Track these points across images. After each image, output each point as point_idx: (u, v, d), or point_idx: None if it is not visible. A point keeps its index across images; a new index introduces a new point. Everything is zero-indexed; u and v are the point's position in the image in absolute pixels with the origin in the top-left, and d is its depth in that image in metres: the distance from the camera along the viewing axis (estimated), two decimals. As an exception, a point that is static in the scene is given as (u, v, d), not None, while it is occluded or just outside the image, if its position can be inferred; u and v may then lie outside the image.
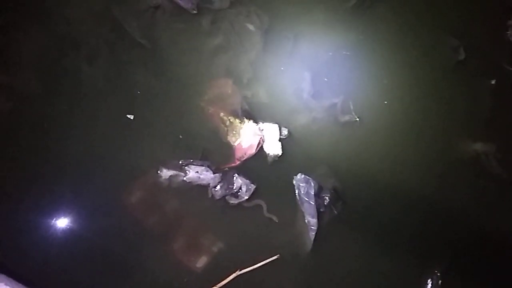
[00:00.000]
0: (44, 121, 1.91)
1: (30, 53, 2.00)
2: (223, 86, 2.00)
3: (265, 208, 1.90)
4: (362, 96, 2.04)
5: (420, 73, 2.11)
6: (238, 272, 1.78)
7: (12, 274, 1.66)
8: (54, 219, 1.80)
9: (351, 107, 2.00)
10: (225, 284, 1.77)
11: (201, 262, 1.82)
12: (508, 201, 1.99)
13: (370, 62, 2.10)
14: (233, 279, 1.78)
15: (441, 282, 1.88)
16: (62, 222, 1.80)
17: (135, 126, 1.94)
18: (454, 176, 2.00)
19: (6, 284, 1.58)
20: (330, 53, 2.09)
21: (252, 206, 1.90)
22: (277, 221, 1.89)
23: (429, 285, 1.88)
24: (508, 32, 2.17)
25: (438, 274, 1.89)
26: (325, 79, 2.06)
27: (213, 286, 1.76)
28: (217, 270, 1.80)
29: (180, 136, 1.95)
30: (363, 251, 1.91)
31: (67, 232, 1.80)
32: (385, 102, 2.05)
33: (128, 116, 1.94)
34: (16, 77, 1.98)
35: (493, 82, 2.11)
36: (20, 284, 1.62)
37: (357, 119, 1.99)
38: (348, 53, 2.09)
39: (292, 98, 2.03)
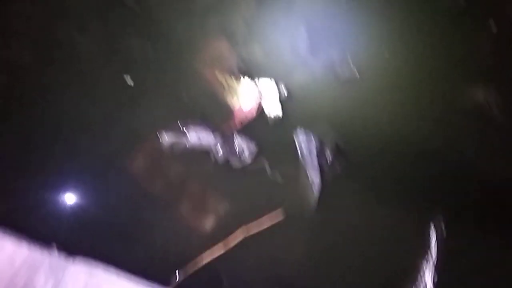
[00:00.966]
0: (40, 92, 1.89)
1: (22, 25, 1.98)
2: (218, 46, 1.96)
3: (268, 169, 1.90)
4: (361, 50, 2.01)
5: (420, 22, 2.06)
6: (245, 234, 1.80)
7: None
8: (55, 190, 1.80)
9: (351, 62, 1.97)
10: (233, 246, 1.79)
11: (208, 224, 1.84)
12: (511, 150, 1.98)
13: (369, 15, 2.05)
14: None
15: (446, 233, 1.89)
16: (64, 194, 1.80)
17: (132, 92, 1.92)
18: (457, 126, 1.99)
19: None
20: (327, 7, 2.03)
21: (255, 168, 1.90)
22: (281, 181, 1.89)
23: (434, 236, 1.89)
24: (509, -24, 2.11)
25: (443, 225, 1.90)
26: (323, 34, 2.01)
27: (221, 248, 1.78)
28: (224, 231, 1.81)
29: (184, 94, 1.92)
30: (367, 206, 1.91)
31: (71, 202, 1.80)
32: (386, 57, 2.01)
33: (128, 81, 1.91)
34: (9, 49, 1.95)
35: (494, 29, 2.06)
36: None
37: (357, 74, 1.96)
38: (346, 5, 2.03)
39: (290, 55, 2.00)
